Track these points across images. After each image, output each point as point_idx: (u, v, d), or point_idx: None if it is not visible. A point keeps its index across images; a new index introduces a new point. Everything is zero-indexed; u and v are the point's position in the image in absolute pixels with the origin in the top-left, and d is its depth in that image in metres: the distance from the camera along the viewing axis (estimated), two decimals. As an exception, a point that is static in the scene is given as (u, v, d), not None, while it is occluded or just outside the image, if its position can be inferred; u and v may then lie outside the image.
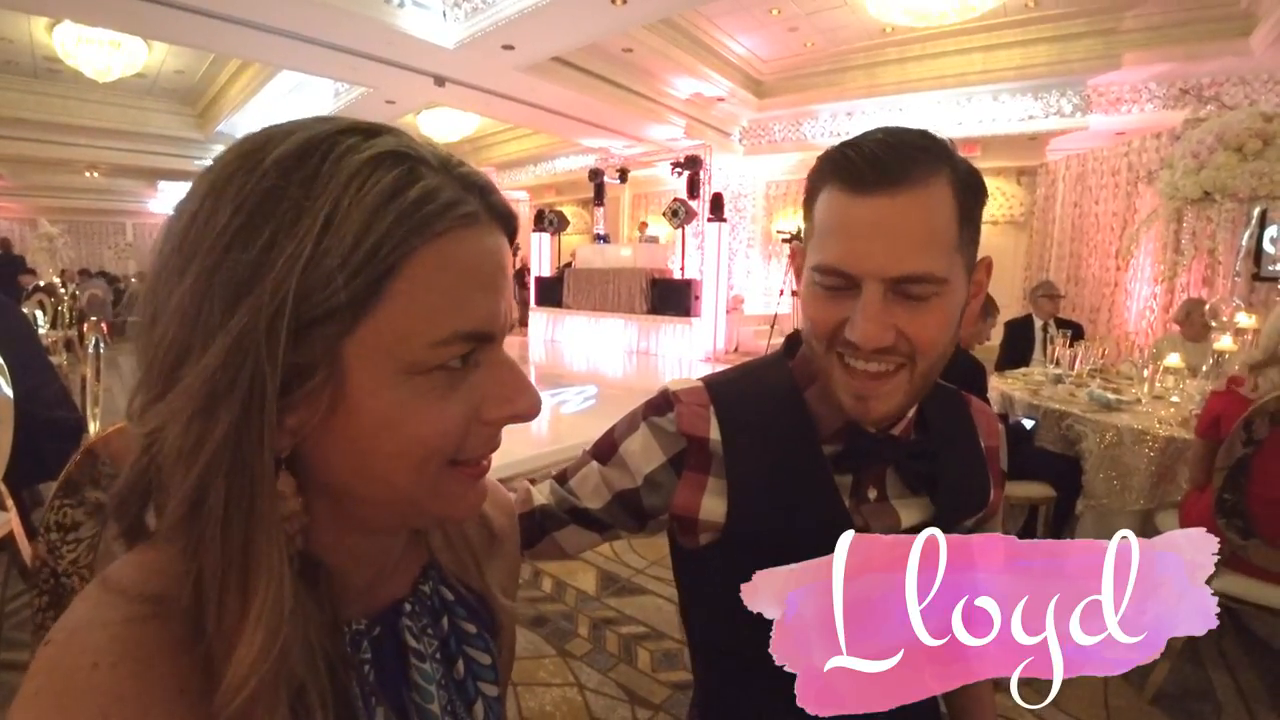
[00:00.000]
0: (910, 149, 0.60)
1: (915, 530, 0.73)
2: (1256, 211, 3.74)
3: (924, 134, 0.63)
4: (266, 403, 0.35)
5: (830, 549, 0.70)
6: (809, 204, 0.67)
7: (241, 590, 0.36)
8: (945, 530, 0.77)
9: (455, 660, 0.52)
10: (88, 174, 13.35)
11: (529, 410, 0.43)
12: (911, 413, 0.73)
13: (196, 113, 11.72)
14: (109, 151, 11.56)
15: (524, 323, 11.49)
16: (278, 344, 0.34)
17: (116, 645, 0.35)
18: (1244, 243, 4.50)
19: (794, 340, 0.78)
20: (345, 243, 0.35)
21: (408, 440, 0.39)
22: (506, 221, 0.44)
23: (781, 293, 9.50)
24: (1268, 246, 5.64)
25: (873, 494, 0.73)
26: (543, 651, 2.19)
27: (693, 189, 9.59)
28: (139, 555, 0.41)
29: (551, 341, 10.69)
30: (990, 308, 2.95)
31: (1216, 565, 1.60)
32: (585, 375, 7.64)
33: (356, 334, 0.36)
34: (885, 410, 0.64)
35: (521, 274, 12.42)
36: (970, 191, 0.63)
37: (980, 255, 0.68)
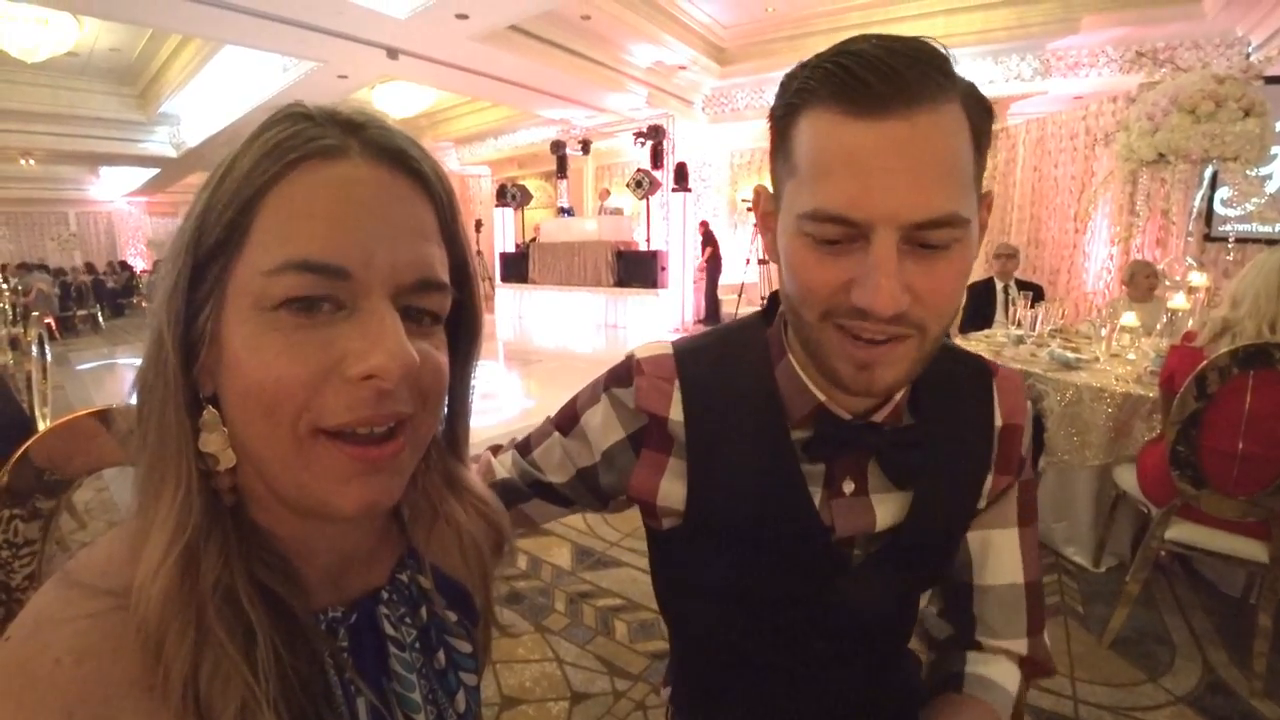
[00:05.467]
0: (922, 55, 0.48)
1: (891, 534, 0.65)
2: (1208, 172, 3.84)
3: (923, 41, 0.49)
4: (174, 327, 0.38)
5: (794, 546, 0.65)
6: (784, 136, 0.54)
7: (155, 494, 0.39)
8: (920, 538, 0.66)
9: (436, 650, 0.52)
10: (22, 161, 12.64)
11: (382, 366, 0.37)
12: (900, 394, 0.63)
13: (136, 93, 11.16)
14: (43, 136, 10.95)
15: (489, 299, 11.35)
16: (184, 281, 0.38)
17: (80, 641, 0.34)
18: (1196, 204, 4.63)
19: (775, 302, 0.67)
20: (226, 187, 0.38)
21: (249, 383, 0.37)
22: (395, 157, 0.41)
23: (748, 261, 9.52)
24: (1218, 207, 5.80)
25: (849, 487, 0.64)
26: (520, 628, 2.19)
27: (656, 159, 9.48)
28: (100, 548, 0.40)
29: (519, 317, 10.59)
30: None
31: (1171, 515, 1.64)
32: (554, 354, 7.61)
33: (233, 271, 0.38)
34: (894, 377, 0.54)
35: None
36: (982, 110, 0.51)
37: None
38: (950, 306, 0.52)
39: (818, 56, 0.50)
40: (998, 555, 0.71)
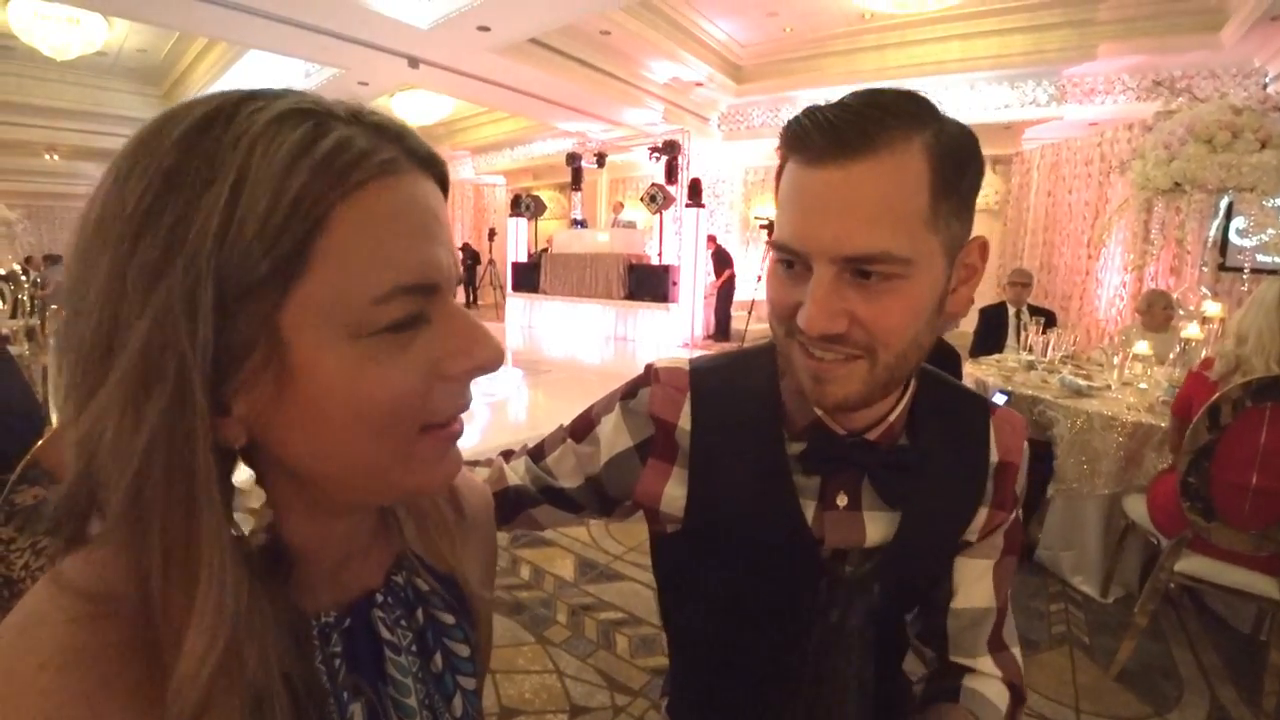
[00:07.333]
0: (876, 111, 0.54)
1: (880, 551, 0.69)
2: (1223, 203, 3.83)
3: (903, 95, 0.56)
4: (195, 390, 0.32)
5: (785, 556, 0.68)
6: (778, 179, 0.62)
7: (186, 588, 0.34)
8: (905, 556, 0.71)
9: (433, 653, 0.51)
10: (47, 156, 12.86)
11: (490, 361, 0.41)
12: (894, 415, 0.67)
13: (161, 93, 11.33)
14: (69, 133, 11.12)
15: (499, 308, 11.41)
16: (197, 325, 0.32)
17: (66, 645, 0.33)
18: (1211, 233, 4.61)
19: None
20: (259, 208, 0.32)
21: (364, 406, 0.36)
22: (431, 166, 0.41)
23: (759, 278, 9.53)
24: (1234, 238, 5.77)
25: (842, 501, 0.68)
26: (521, 639, 2.18)
27: (670, 174, 9.53)
28: (90, 552, 0.38)
29: (529, 327, 10.62)
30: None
31: (1181, 547, 1.63)
32: (564, 364, 7.63)
33: (290, 303, 0.34)
34: (844, 394, 0.59)
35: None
36: (954, 160, 0.56)
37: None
38: (898, 338, 0.57)
39: (800, 112, 0.58)
40: (978, 583, 0.76)
